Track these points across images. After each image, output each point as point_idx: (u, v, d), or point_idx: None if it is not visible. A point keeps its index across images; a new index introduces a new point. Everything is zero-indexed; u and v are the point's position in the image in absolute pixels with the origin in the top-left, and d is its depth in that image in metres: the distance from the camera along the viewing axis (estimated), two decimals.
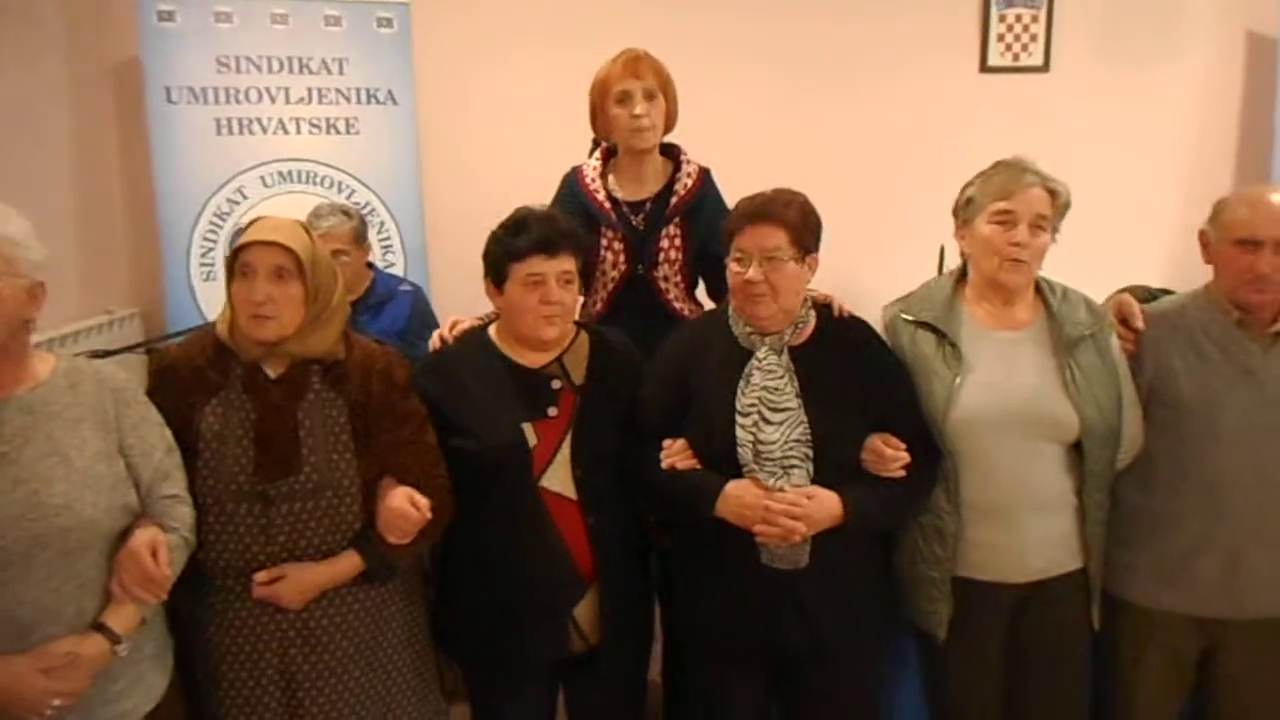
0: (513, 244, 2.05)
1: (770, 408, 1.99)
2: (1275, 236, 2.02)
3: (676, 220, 2.56)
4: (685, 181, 2.58)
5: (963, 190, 2.16)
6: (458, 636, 2.15)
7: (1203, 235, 2.16)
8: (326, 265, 1.96)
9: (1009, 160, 2.11)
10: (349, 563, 1.92)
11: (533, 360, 2.11)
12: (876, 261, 3.73)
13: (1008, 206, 2.05)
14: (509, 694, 2.15)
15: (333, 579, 1.92)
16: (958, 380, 2.07)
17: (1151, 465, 2.16)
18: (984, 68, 4.23)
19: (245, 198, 3.72)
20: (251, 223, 1.95)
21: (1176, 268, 4.15)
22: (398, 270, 3.79)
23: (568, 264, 2.06)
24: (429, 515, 1.89)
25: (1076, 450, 2.08)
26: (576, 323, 2.21)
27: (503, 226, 2.08)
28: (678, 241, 2.56)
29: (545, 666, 2.13)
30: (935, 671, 2.25)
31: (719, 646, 2.10)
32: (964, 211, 2.14)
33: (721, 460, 2.00)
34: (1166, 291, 2.33)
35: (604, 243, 2.56)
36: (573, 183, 2.61)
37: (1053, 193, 2.07)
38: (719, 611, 2.06)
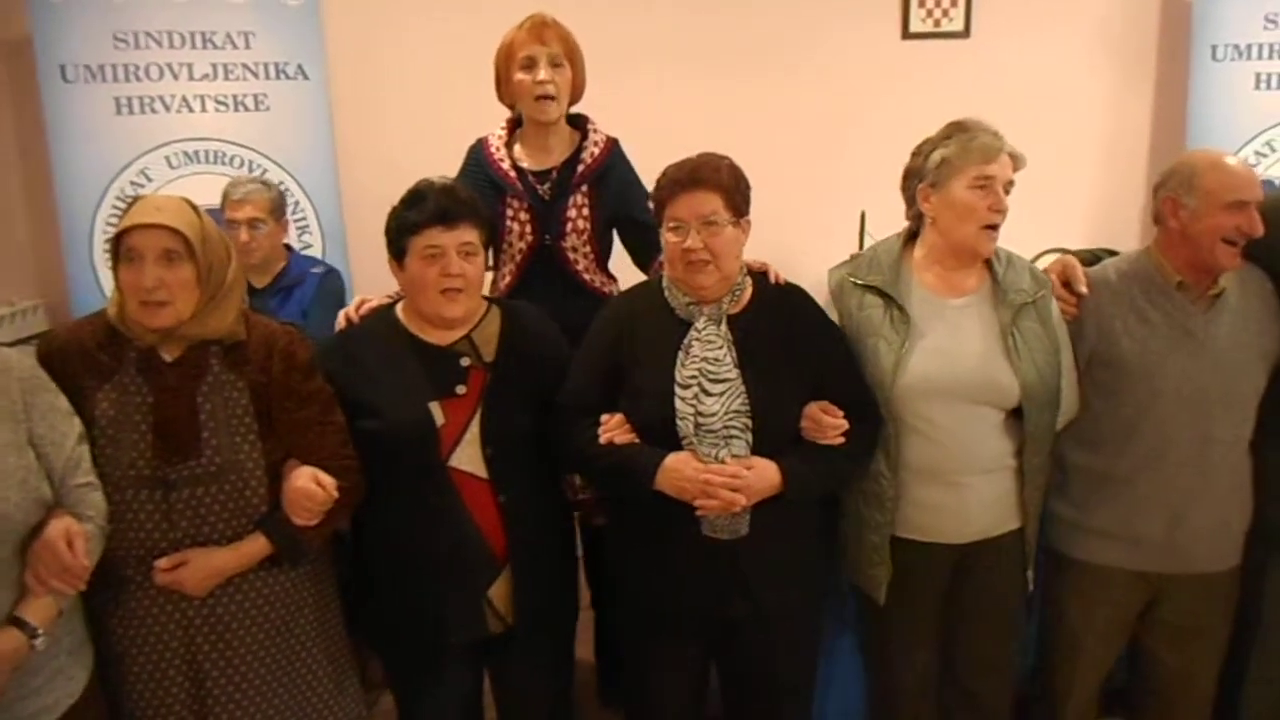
0: (409, 217, 2.00)
1: (710, 379, 1.97)
2: (1257, 197, 2.07)
3: (583, 189, 2.52)
4: (592, 150, 2.53)
5: (924, 152, 2.13)
6: (373, 621, 2.10)
7: (1170, 201, 2.12)
8: (218, 241, 1.89)
9: (970, 123, 2.10)
10: (255, 546, 1.87)
11: (441, 337, 2.06)
12: (805, 229, 3.71)
13: (990, 172, 2.04)
14: (427, 678, 2.11)
15: (238, 563, 1.86)
16: (905, 346, 2.07)
17: (1097, 427, 2.19)
18: (906, 34, 4.22)
19: (150, 180, 3.60)
20: (133, 202, 1.86)
21: (1096, 229, 4.23)
22: (315, 251, 3.71)
23: (468, 235, 2.01)
24: (335, 495, 1.84)
25: (1016, 414, 2.10)
26: (489, 298, 2.16)
27: (401, 200, 2.03)
28: (585, 211, 2.52)
29: (465, 648, 2.09)
30: (874, 629, 2.28)
31: (659, 618, 2.09)
32: (934, 174, 2.09)
33: (660, 433, 1.98)
34: (1110, 252, 2.34)
35: (510, 213, 2.51)
36: (478, 153, 2.56)
37: (1014, 157, 2.09)
38: (660, 583, 2.05)
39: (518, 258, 2.53)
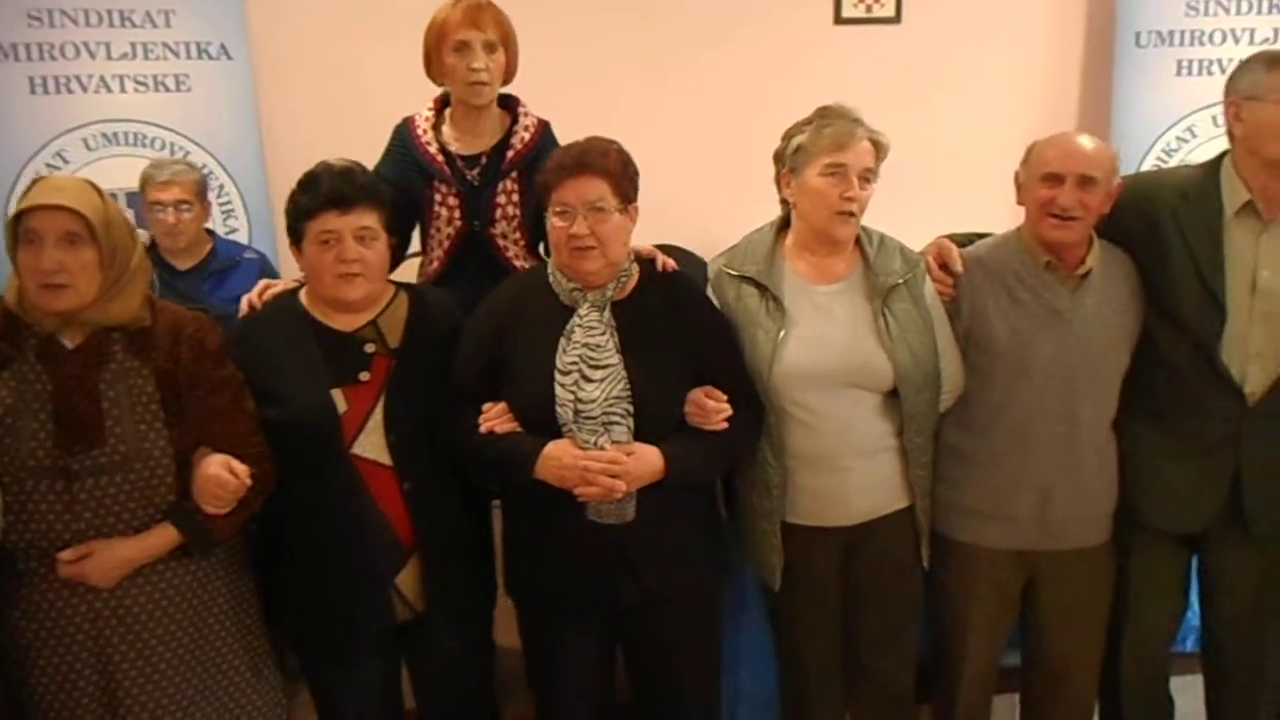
0: (302, 200, 1.97)
1: (591, 365, 1.96)
2: (1077, 172, 2.08)
3: (513, 175, 2.46)
4: (523, 135, 2.48)
5: (788, 137, 2.13)
6: (283, 612, 2.07)
7: (1016, 177, 2.20)
8: (122, 225, 1.84)
9: (833, 108, 2.10)
10: (162, 536, 1.84)
11: (345, 323, 2.03)
12: (732, 215, 3.68)
13: (841, 159, 2.04)
14: (340, 669, 2.08)
15: (145, 553, 1.83)
16: (781, 334, 2.08)
17: (969, 406, 2.21)
18: (838, 19, 4.23)
19: (66, 162, 3.47)
20: (33, 183, 1.82)
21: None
22: (241, 237, 3.61)
23: (366, 219, 1.97)
24: (248, 482, 1.81)
25: (895, 395, 2.11)
26: (398, 283, 2.13)
27: (298, 183, 2.00)
28: (515, 198, 2.47)
29: (377, 637, 2.06)
30: (776, 613, 2.29)
31: (552, 603, 2.08)
32: (791, 160, 2.10)
33: (540, 421, 1.96)
34: (983, 235, 2.36)
35: (437, 198, 2.45)
36: (404, 134, 2.49)
37: (876, 144, 2.08)
38: (549, 569, 2.04)
39: (446, 244, 2.48)
